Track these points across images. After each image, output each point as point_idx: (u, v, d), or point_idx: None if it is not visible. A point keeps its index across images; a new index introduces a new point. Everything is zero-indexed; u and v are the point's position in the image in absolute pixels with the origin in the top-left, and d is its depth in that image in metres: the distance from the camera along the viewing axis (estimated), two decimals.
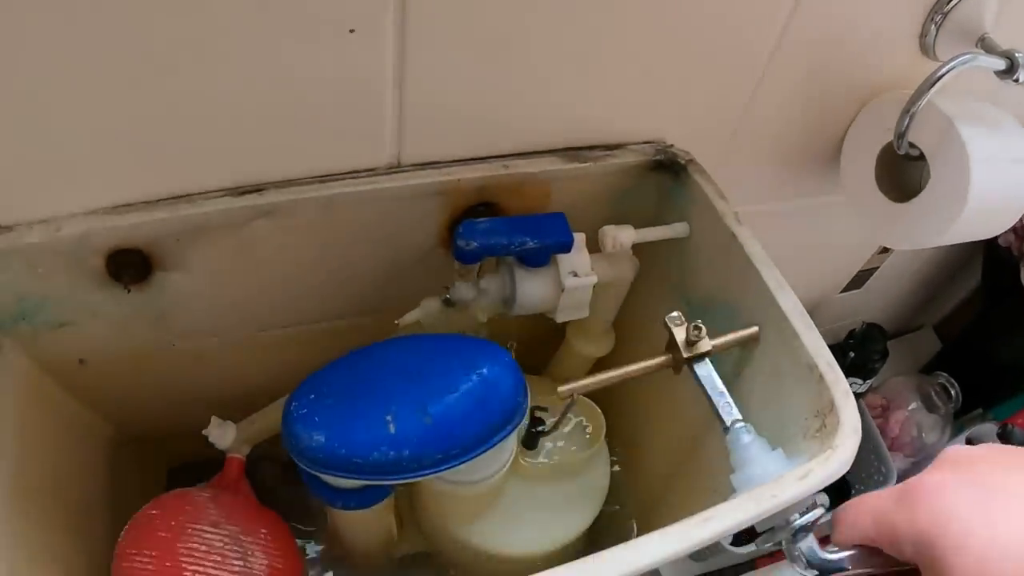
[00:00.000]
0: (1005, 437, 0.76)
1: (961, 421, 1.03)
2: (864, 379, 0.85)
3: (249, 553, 0.50)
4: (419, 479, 0.38)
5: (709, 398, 0.41)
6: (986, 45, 0.55)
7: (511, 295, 0.44)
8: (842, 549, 0.37)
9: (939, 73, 0.51)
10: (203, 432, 0.56)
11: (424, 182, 0.44)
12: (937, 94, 0.54)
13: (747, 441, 0.40)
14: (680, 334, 0.42)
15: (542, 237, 0.42)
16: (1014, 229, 0.86)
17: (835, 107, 0.58)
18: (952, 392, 0.92)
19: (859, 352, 0.83)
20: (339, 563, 0.58)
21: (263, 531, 0.51)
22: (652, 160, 0.50)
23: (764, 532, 0.40)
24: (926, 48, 0.56)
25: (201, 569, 0.48)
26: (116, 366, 0.52)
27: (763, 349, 0.44)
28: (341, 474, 0.37)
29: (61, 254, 0.43)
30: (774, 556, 0.89)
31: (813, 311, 0.91)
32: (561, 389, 0.42)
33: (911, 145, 0.56)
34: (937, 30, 0.55)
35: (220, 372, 0.57)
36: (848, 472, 0.89)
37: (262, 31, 0.35)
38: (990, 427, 0.98)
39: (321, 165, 0.44)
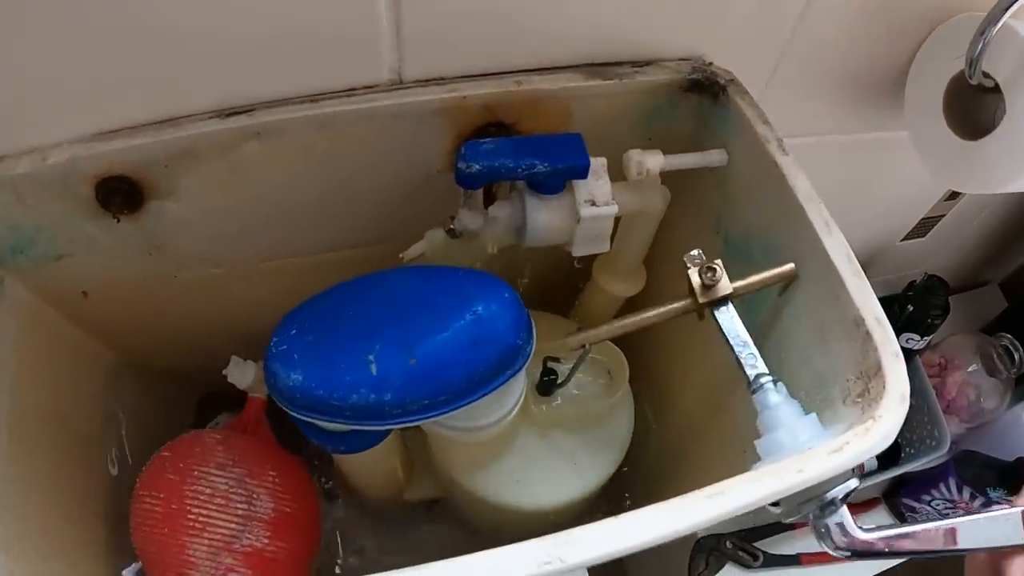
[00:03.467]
0: None
1: None
2: (922, 335, 0.76)
3: (255, 496, 0.47)
4: (406, 426, 0.34)
5: (732, 348, 0.34)
6: None
7: (522, 224, 0.39)
8: None
9: None
10: (223, 372, 0.53)
11: (426, 99, 0.38)
12: (1017, 17, 0.45)
13: (776, 402, 0.33)
14: (695, 276, 0.35)
15: (554, 160, 0.36)
16: None
17: (901, 28, 0.50)
18: (1016, 356, 0.82)
19: (918, 306, 0.74)
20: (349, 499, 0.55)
21: (272, 474, 0.49)
22: (688, 79, 0.43)
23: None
24: None
25: (204, 512, 0.46)
26: (121, 298, 0.50)
27: (804, 296, 0.38)
28: (319, 417, 0.33)
29: (49, 184, 0.40)
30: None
31: (871, 259, 0.82)
32: (570, 340, 0.36)
33: (985, 75, 0.47)
34: None
35: (232, 305, 0.53)
36: (899, 435, 0.81)
37: None
38: None
39: (314, 83, 0.39)
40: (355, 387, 0.32)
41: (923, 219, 0.77)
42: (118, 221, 0.42)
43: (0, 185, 0.39)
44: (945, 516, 0.82)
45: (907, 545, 0.35)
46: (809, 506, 0.33)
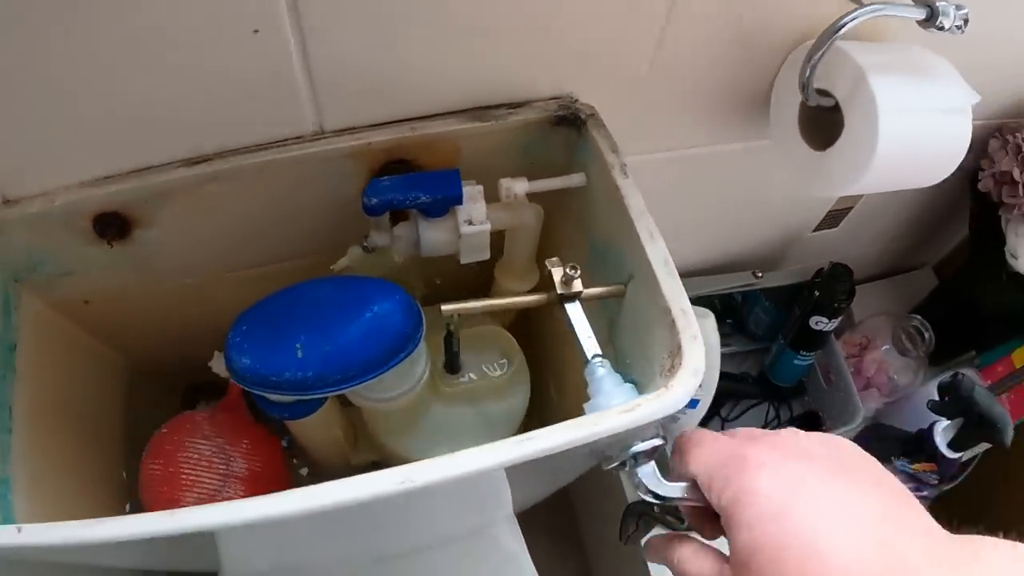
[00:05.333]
0: (955, 386, 0.81)
1: (958, 361, 1.07)
2: (830, 318, 0.90)
3: (231, 459, 0.63)
4: (329, 395, 0.49)
5: (575, 333, 0.49)
6: None
7: (417, 241, 0.53)
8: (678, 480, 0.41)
9: (840, 24, 0.55)
10: (208, 364, 0.68)
11: (338, 147, 0.53)
12: (862, 43, 0.58)
13: (601, 374, 0.47)
14: (557, 274, 0.50)
15: (434, 192, 0.51)
16: (993, 175, 0.88)
17: (760, 55, 0.63)
18: (926, 335, 0.96)
19: (824, 291, 0.88)
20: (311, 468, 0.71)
21: (246, 442, 0.65)
22: (555, 115, 0.57)
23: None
24: None
25: (194, 472, 0.62)
26: (116, 304, 0.65)
27: (638, 294, 0.52)
28: (265, 390, 0.49)
29: (57, 220, 0.55)
30: None
31: (785, 249, 0.96)
32: (444, 308, 0.50)
33: (827, 94, 0.60)
34: None
35: (206, 308, 0.68)
36: (819, 406, 0.99)
37: (193, 40, 0.45)
38: (972, 372, 1.02)
39: (257, 136, 0.54)
40: (287, 367, 0.47)
41: (831, 212, 0.91)
42: (111, 246, 0.57)
43: (19, 221, 0.54)
44: None
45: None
46: (622, 457, 0.46)
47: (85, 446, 0.67)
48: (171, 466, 0.62)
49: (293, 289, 0.52)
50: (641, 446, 0.44)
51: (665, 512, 0.95)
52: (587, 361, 0.48)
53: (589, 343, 0.49)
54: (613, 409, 0.43)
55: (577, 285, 0.50)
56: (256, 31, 0.46)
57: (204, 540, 0.52)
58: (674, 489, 0.43)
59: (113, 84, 0.47)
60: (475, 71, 0.54)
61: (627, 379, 0.48)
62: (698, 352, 0.46)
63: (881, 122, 0.55)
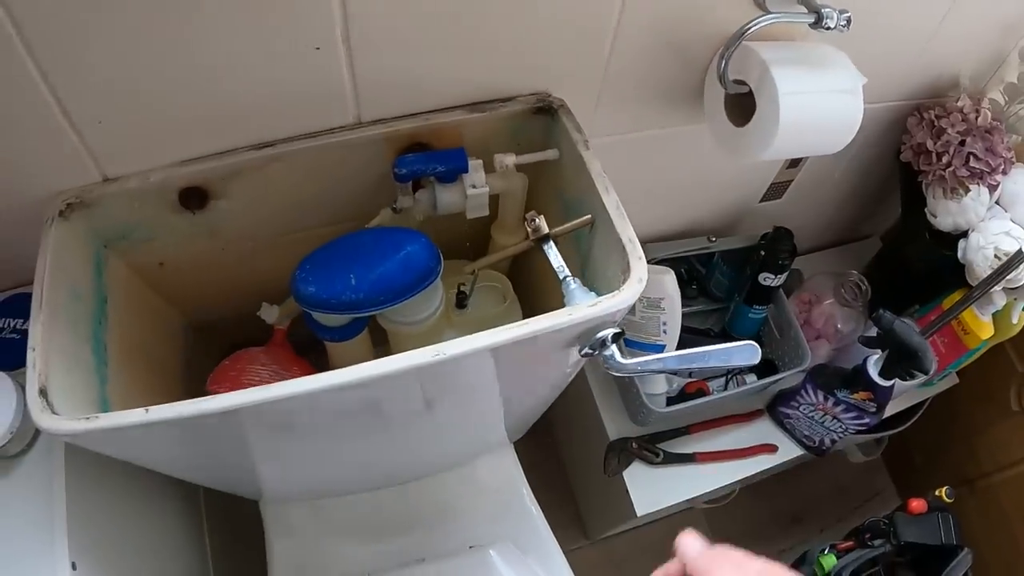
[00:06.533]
0: (876, 320, 1.02)
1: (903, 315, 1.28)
2: (776, 274, 1.11)
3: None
4: (373, 314, 0.70)
5: (551, 263, 0.70)
6: (805, 2, 0.79)
7: (434, 203, 0.75)
8: None
9: (743, 29, 0.76)
10: (257, 313, 0.88)
11: (376, 133, 0.74)
12: (771, 43, 0.79)
13: (573, 287, 0.68)
14: (529, 226, 0.71)
15: (448, 164, 0.73)
16: (911, 147, 1.10)
17: (693, 54, 0.84)
18: (863, 288, 1.18)
19: (769, 251, 1.10)
20: None
21: (296, 368, 0.85)
22: (534, 107, 0.79)
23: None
24: (759, 4, 0.81)
25: None
26: (186, 265, 0.85)
27: (600, 231, 0.73)
28: (325, 311, 0.69)
29: (150, 193, 0.74)
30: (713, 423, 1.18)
31: (738, 217, 1.18)
32: (465, 266, 0.72)
33: (742, 83, 0.82)
34: None
35: (259, 268, 0.89)
36: (775, 355, 1.23)
37: (269, 54, 0.65)
38: (910, 321, 1.23)
39: (310, 127, 0.75)
40: (343, 292, 0.68)
41: (773, 183, 1.13)
42: (193, 214, 0.78)
43: (117, 195, 0.73)
44: (811, 419, 1.17)
45: (654, 366, 0.71)
46: (592, 342, 0.67)
47: (154, 380, 0.87)
48: (236, 386, 0.81)
49: (342, 238, 0.73)
50: (605, 332, 0.65)
51: (642, 448, 1.16)
52: (562, 281, 0.70)
53: (562, 268, 0.70)
54: (583, 304, 0.64)
55: (544, 229, 0.72)
56: (318, 48, 0.67)
57: (254, 449, 0.71)
58: (632, 366, 0.65)
59: (205, 83, 0.66)
60: (474, 75, 0.75)
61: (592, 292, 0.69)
62: (642, 267, 0.66)
63: (781, 103, 0.76)
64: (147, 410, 0.59)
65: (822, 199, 1.24)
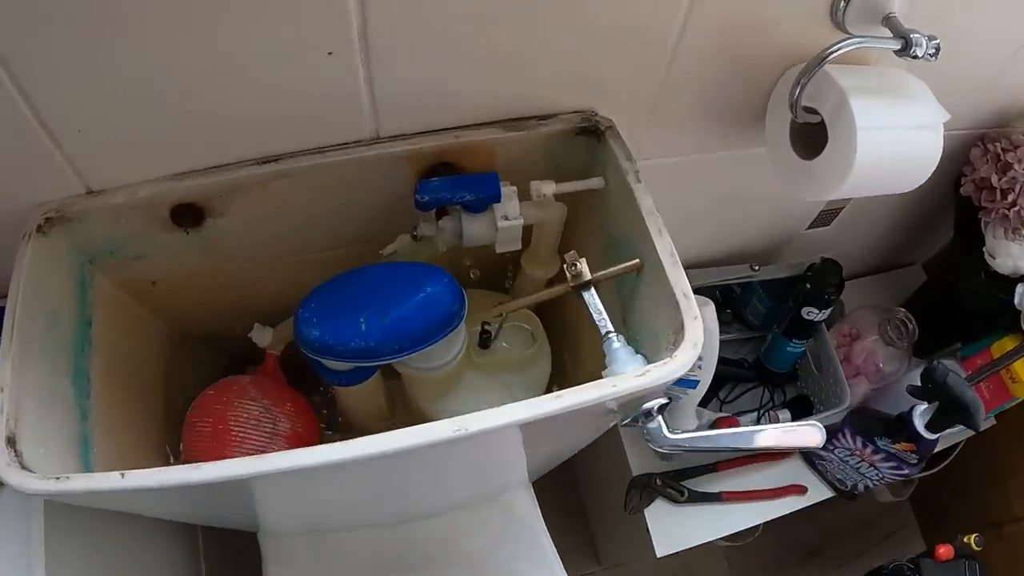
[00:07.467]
0: (929, 372, 0.92)
1: (943, 353, 1.18)
2: (820, 309, 1.01)
3: (277, 419, 0.74)
4: (384, 363, 0.60)
5: (591, 315, 0.60)
6: (890, 24, 0.68)
7: (460, 233, 0.64)
8: None
9: (826, 53, 0.66)
10: (248, 335, 0.79)
11: (395, 150, 0.64)
12: (847, 67, 0.68)
13: (616, 346, 0.59)
14: (569, 271, 0.61)
15: (477, 192, 0.62)
16: (974, 180, 0.99)
17: (757, 75, 0.73)
18: (910, 327, 1.07)
19: (815, 284, 0.99)
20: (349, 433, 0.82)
21: (288, 404, 0.76)
22: (578, 127, 0.68)
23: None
24: (838, 24, 0.69)
25: (242, 431, 0.73)
26: (179, 285, 0.76)
27: (648, 280, 0.63)
28: (331, 358, 0.60)
29: (138, 208, 0.65)
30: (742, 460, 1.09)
31: (779, 245, 1.08)
32: (492, 309, 0.62)
33: (814, 111, 0.71)
34: (846, 7, 0.67)
35: (258, 289, 0.80)
36: (811, 391, 1.11)
37: (276, 58, 0.55)
38: (954, 363, 1.13)
39: (320, 140, 0.64)
40: (352, 338, 0.58)
41: (823, 211, 1.02)
42: (187, 233, 0.68)
43: (101, 209, 0.64)
44: (845, 463, 1.08)
45: (703, 443, 0.61)
46: (634, 414, 0.57)
47: (140, 407, 0.78)
48: (220, 424, 0.72)
49: (351, 273, 0.63)
50: (650, 404, 0.55)
51: (666, 485, 1.07)
52: (604, 336, 0.60)
53: (604, 322, 0.60)
54: (628, 373, 0.55)
55: (586, 275, 0.61)
56: (330, 53, 0.56)
57: (249, 497, 0.63)
58: (678, 440, 0.55)
59: (200, 90, 0.57)
60: (511, 88, 0.65)
61: (637, 352, 0.59)
62: (698, 329, 0.57)
63: (859, 139, 0.65)
64: (123, 475, 0.51)
65: (870, 228, 1.13)
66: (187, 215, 0.67)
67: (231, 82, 0.57)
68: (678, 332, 0.58)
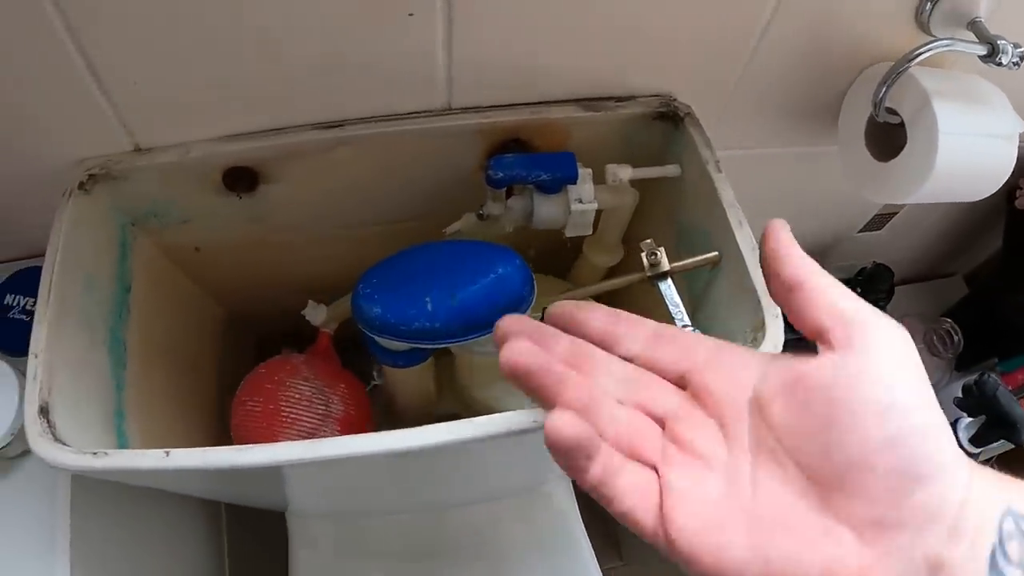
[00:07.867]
0: (980, 385, 0.89)
1: (980, 367, 1.15)
2: None
3: (330, 401, 0.71)
4: (447, 345, 0.56)
5: (668, 307, 0.56)
6: (976, 29, 0.64)
7: (530, 213, 0.61)
8: None
9: (915, 54, 0.62)
10: (301, 312, 0.75)
11: (468, 122, 0.61)
12: (927, 69, 0.65)
13: None
14: (646, 259, 0.57)
15: (554, 171, 0.59)
16: None
17: (835, 72, 0.70)
18: (955, 338, 1.04)
19: (865, 289, 0.96)
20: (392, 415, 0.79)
21: (342, 385, 0.72)
22: (656, 112, 0.64)
23: None
24: (922, 25, 0.65)
25: (294, 411, 0.69)
26: (223, 254, 0.73)
27: (724, 273, 0.60)
28: (391, 338, 0.56)
29: (189, 170, 0.62)
30: None
31: (828, 247, 1.04)
32: (556, 299, 0.58)
33: (894, 112, 0.68)
34: (932, 8, 0.64)
35: (306, 263, 0.76)
36: None
37: (352, 14, 0.52)
38: (994, 377, 1.10)
39: (389, 107, 0.61)
40: (416, 318, 0.54)
41: (877, 215, 0.99)
42: (239, 198, 0.65)
43: (148, 168, 0.60)
44: None
45: None
46: None
47: (183, 383, 0.74)
48: (271, 403, 0.69)
49: (415, 249, 0.59)
50: None
51: None
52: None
53: (680, 314, 0.57)
54: None
55: (665, 265, 0.58)
56: (411, 14, 0.53)
57: (288, 480, 0.60)
58: None
59: (267, 47, 0.53)
60: (592, 65, 0.61)
61: None
62: (779, 328, 0.54)
63: (941, 142, 0.62)
64: (167, 453, 0.47)
65: (921, 235, 1.10)
66: (241, 179, 0.63)
67: (301, 40, 0.53)
68: (758, 330, 0.55)
